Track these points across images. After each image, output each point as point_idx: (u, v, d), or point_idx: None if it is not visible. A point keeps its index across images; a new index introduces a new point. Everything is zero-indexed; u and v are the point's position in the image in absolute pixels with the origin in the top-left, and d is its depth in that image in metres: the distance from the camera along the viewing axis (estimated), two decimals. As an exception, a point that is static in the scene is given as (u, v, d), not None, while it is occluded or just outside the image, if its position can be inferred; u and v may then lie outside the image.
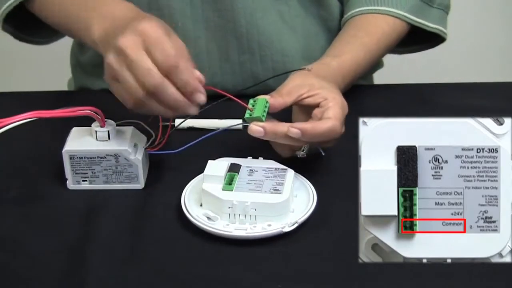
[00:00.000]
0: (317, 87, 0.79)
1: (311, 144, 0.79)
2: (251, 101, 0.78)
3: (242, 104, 0.77)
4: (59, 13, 0.91)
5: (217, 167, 0.76)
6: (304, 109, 0.80)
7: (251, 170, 0.77)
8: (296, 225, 0.72)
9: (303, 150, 0.80)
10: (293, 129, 0.75)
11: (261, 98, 0.78)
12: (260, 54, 0.99)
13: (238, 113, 0.81)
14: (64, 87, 1.18)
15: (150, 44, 0.73)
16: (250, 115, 0.77)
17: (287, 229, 0.72)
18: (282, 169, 0.77)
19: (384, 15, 0.96)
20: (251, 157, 0.80)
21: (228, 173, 0.76)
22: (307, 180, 0.79)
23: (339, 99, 0.78)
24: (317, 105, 0.78)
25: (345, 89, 0.88)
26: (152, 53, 0.73)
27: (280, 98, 0.78)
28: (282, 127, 0.76)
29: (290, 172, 0.77)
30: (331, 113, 0.76)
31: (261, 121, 0.76)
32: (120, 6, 0.82)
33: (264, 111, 0.77)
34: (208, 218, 0.74)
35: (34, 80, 1.49)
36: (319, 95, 0.78)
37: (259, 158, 0.80)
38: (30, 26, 1.02)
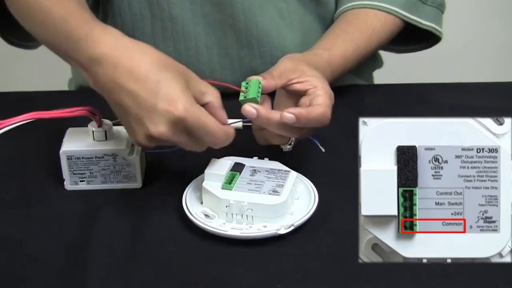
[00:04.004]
0: (308, 74, 0.78)
1: (299, 133, 0.77)
2: (243, 83, 0.76)
3: (234, 88, 0.76)
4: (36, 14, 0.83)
5: (219, 165, 0.76)
6: (289, 94, 0.79)
7: (254, 170, 0.77)
8: (292, 228, 0.72)
9: (290, 144, 0.79)
10: (287, 114, 0.73)
11: (253, 79, 0.76)
12: (259, 50, 0.99)
13: (238, 113, 0.81)
14: (64, 87, 1.18)
15: (194, 131, 0.71)
16: (245, 97, 0.75)
17: (283, 231, 0.71)
18: (285, 171, 0.77)
19: (376, 10, 0.96)
20: (257, 158, 0.79)
21: (230, 172, 0.76)
22: (311, 183, 0.78)
23: (327, 88, 0.78)
24: (304, 92, 0.77)
25: (332, 83, 0.87)
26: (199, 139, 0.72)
27: (272, 80, 0.77)
28: (275, 114, 0.74)
29: (293, 175, 0.76)
30: (321, 100, 0.76)
31: (256, 102, 0.75)
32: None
33: (258, 91, 0.75)
34: (206, 215, 0.74)
35: (34, 80, 1.49)
36: (309, 82, 0.78)
37: (265, 159, 0.79)
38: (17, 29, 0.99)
